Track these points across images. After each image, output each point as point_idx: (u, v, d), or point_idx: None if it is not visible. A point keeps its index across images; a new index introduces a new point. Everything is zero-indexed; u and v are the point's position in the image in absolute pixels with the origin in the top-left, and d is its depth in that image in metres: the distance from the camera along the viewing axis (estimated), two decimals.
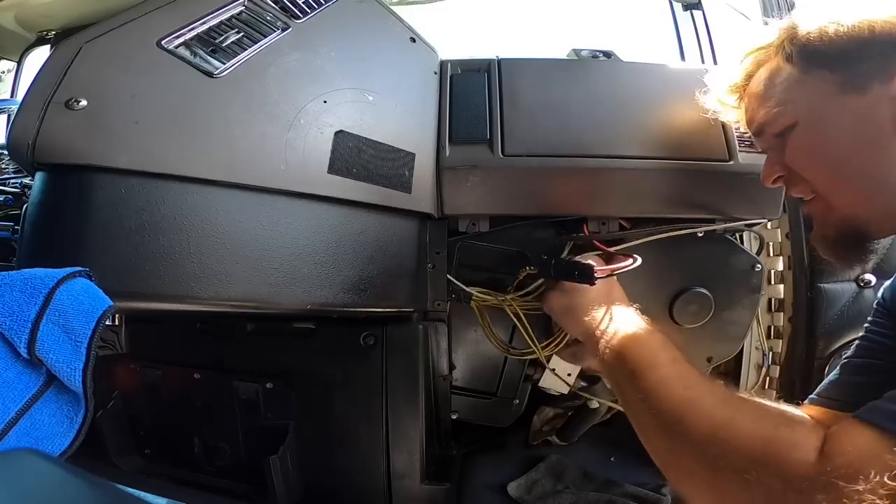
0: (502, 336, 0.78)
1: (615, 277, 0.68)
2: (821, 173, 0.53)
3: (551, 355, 0.74)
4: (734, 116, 0.66)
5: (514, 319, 0.72)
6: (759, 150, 0.65)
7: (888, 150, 0.48)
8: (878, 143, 0.49)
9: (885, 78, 0.48)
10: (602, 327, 0.61)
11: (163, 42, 0.55)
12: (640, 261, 0.67)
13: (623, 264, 0.67)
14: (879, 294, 0.62)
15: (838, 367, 0.62)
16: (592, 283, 0.63)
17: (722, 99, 0.65)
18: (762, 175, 0.60)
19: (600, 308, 0.63)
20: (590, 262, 0.64)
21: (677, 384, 0.50)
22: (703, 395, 0.48)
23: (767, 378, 0.88)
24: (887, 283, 0.61)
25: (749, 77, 0.60)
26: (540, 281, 0.71)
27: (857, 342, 0.62)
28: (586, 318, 0.63)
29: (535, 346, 0.72)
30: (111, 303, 0.45)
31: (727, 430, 0.44)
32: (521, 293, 0.72)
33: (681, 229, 0.73)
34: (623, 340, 0.57)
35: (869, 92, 0.48)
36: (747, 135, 0.74)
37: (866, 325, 0.61)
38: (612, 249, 0.72)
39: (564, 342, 0.72)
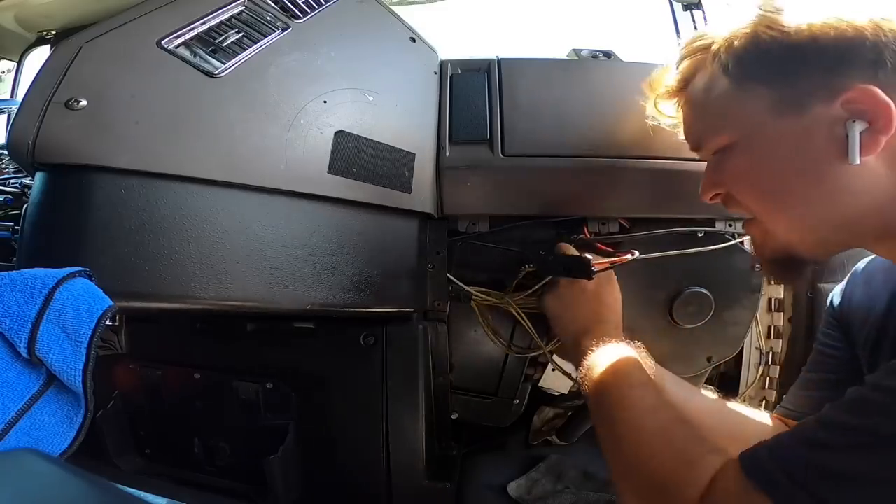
0: (503, 335, 0.78)
1: (614, 277, 0.68)
2: (756, 199, 0.49)
3: (553, 352, 0.74)
4: (671, 123, 0.61)
5: (518, 318, 0.72)
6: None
7: (826, 178, 0.43)
8: (815, 172, 0.43)
9: (827, 96, 0.41)
10: (584, 342, 0.61)
11: (163, 42, 0.55)
12: (637, 254, 0.67)
13: (620, 258, 0.66)
14: (828, 301, 0.60)
15: (798, 379, 0.62)
16: (590, 278, 0.63)
17: (659, 105, 0.60)
18: (700, 191, 0.55)
19: (587, 318, 0.64)
20: (587, 255, 0.64)
21: (625, 409, 0.50)
22: (640, 427, 0.48)
23: (767, 378, 0.88)
24: (835, 289, 0.59)
25: (686, 82, 0.54)
26: (542, 282, 0.71)
27: (812, 354, 0.61)
28: (572, 329, 0.64)
29: (540, 343, 0.72)
30: (111, 303, 0.45)
31: (645, 466, 0.45)
32: (522, 292, 0.72)
33: (682, 230, 0.73)
34: (597, 361, 0.57)
35: (808, 112, 0.42)
36: None
37: (819, 334, 0.61)
38: (611, 250, 0.72)
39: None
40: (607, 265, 0.65)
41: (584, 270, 0.62)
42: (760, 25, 0.44)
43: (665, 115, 0.60)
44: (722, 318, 0.78)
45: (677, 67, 0.54)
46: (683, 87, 0.55)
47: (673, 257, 0.74)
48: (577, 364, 0.61)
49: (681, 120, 0.58)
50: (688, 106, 0.55)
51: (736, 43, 0.46)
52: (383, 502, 0.75)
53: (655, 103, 0.60)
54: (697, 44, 0.51)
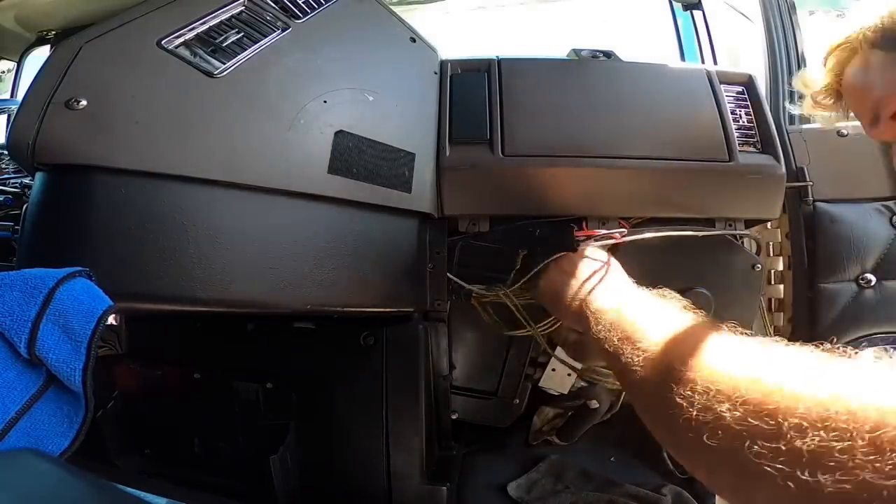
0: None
1: (610, 256, 0.67)
2: None
3: (555, 343, 0.74)
4: (831, 115, 0.67)
5: (513, 308, 0.72)
6: (877, 139, 0.62)
7: None
8: None
9: None
10: (591, 308, 0.57)
11: (163, 42, 0.55)
12: (626, 232, 0.67)
13: (605, 232, 0.66)
14: None
15: None
16: (574, 249, 0.62)
17: (818, 101, 0.65)
18: None
19: (585, 289, 0.60)
20: (572, 225, 0.64)
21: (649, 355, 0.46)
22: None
23: None
24: None
25: (839, 75, 0.61)
26: (536, 269, 0.71)
27: None
28: (573, 305, 0.60)
29: (532, 326, 0.72)
30: (111, 303, 0.45)
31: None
32: (518, 285, 0.72)
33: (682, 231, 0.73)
34: (613, 317, 0.53)
35: None
36: (748, 134, 0.74)
37: None
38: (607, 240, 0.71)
39: (559, 323, 0.72)
40: (589, 234, 0.65)
41: (568, 240, 0.62)
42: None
43: (822, 109, 0.66)
44: (722, 319, 0.77)
45: (825, 65, 0.61)
46: (838, 80, 0.61)
47: (672, 258, 0.74)
48: (586, 332, 0.57)
49: (842, 109, 0.64)
50: (851, 91, 0.60)
51: (876, 24, 0.54)
52: (383, 502, 0.75)
53: (813, 99, 0.65)
54: (834, 43, 0.59)
